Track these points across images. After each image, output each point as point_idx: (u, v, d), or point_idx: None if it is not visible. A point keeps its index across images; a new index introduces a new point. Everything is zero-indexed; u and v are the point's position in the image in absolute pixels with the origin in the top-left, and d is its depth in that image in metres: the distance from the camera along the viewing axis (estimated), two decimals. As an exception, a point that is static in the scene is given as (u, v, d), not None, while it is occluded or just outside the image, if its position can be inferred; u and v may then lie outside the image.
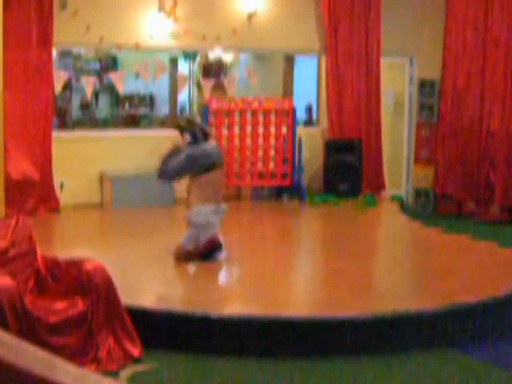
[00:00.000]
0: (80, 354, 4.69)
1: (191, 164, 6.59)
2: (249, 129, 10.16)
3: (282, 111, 10.25)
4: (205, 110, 10.09)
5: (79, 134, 10.51)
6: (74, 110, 13.12)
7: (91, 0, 9.20)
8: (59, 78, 9.30)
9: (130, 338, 4.92)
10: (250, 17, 10.08)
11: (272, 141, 10.24)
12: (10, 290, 4.36)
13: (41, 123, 9.01)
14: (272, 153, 10.25)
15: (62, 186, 9.35)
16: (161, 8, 9.53)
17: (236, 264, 7.03)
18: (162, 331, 5.18)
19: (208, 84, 10.35)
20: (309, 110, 12.83)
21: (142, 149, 9.64)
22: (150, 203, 9.36)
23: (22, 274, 4.96)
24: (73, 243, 7.60)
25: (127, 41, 9.49)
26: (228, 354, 5.05)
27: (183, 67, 13.60)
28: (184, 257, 6.65)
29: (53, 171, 9.19)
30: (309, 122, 12.52)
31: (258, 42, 10.27)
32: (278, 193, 10.45)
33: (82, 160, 9.55)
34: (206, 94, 10.23)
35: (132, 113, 13.33)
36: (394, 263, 7.19)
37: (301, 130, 10.65)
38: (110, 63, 13.11)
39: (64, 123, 11.92)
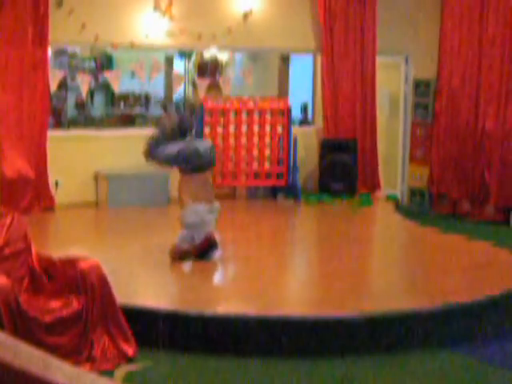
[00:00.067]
0: (75, 353, 4.69)
1: (181, 160, 6.60)
2: (244, 128, 10.15)
3: (277, 111, 10.24)
4: (200, 110, 10.08)
5: (74, 132, 10.49)
6: (69, 109, 13.09)
7: (86, -2, 9.21)
8: (54, 76, 9.29)
9: (125, 337, 4.91)
10: (246, 16, 10.07)
11: (267, 140, 10.24)
12: (4, 289, 4.35)
13: (36, 122, 8.99)
14: (267, 152, 10.24)
15: (56, 184, 9.34)
16: (156, 7, 9.53)
17: (231, 263, 7.04)
18: (157, 330, 5.18)
19: (203, 83, 10.34)
20: (304, 109, 12.83)
21: (137, 148, 9.51)
22: (145, 202, 9.35)
23: (17, 272, 4.95)
24: (68, 242, 7.58)
25: (122, 39, 9.48)
26: (223, 353, 5.06)
27: (178, 66, 13.60)
28: (179, 256, 6.65)
29: (48, 170, 9.17)
30: (304, 122, 12.52)
31: (253, 41, 10.27)
32: (273, 192, 10.45)
33: (77, 159, 9.54)
34: (201, 94, 10.22)
35: (127, 112, 13.31)
36: (389, 263, 7.20)
37: (296, 130, 10.65)
38: (105, 62, 13.08)
39: (59, 122, 11.89)
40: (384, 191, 11.09)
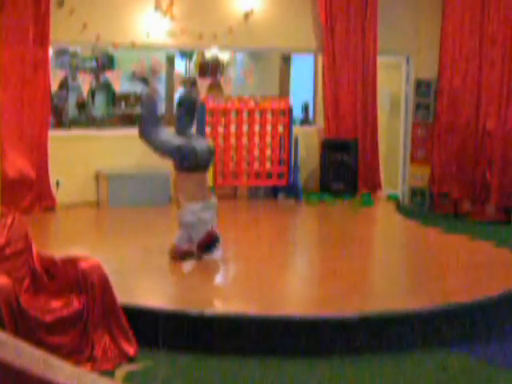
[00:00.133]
0: (76, 353, 4.69)
1: (177, 155, 6.57)
2: (245, 128, 10.15)
3: (279, 110, 10.24)
4: (201, 109, 10.07)
5: (75, 132, 10.49)
6: (70, 109, 13.09)
7: (88, -2, 9.22)
8: (55, 76, 9.29)
9: (126, 337, 4.91)
10: (247, 16, 10.07)
11: (268, 140, 10.24)
12: (5, 289, 4.35)
13: (37, 122, 9.00)
14: (268, 152, 10.25)
15: (57, 184, 9.34)
16: (157, 7, 9.53)
17: (232, 263, 7.04)
18: (158, 330, 5.18)
19: (204, 83, 10.34)
20: (305, 109, 12.83)
21: (138, 148, 9.55)
22: (146, 202, 9.36)
23: (18, 272, 4.95)
24: (68, 242, 7.58)
25: (124, 39, 9.48)
26: (223, 353, 5.05)
27: (180, 66, 13.59)
28: (179, 256, 6.66)
29: (49, 170, 9.18)
30: (305, 121, 12.52)
31: (254, 41, 10.26)
32: (274, 192, 10.45)
33: (78, 159, 9.54)
34: (203, 93, 10.22)
35: (128, 112, 13.31)
36: (389, 262, 7.19)
37: (297, 130, 10.65)
38: (106, 62, 13.08)
39: (60, 122, 11.89)
40: (385, 191, 11.09)
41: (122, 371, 4.70)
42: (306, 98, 12.18)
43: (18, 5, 8.63)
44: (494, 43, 9.85)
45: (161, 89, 6.56)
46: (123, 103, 13.51)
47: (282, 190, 10.38)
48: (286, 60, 11.52)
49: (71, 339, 4.70)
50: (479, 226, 9.62)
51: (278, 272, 6.60)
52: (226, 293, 6.05)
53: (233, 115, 10.11)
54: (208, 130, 9.93)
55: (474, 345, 5.34)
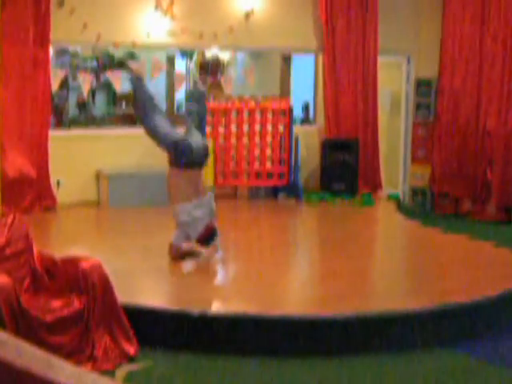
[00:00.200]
0: (76, 353, 4.69)
1: (173, 150, 6.56)
2: (245, 128, 10.15)
3: (279, 110, 10.24)
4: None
5: (76, 132, 10.50)
6: (71, 109, 13.11)
7: (88, -2, 9.22)
8: (56, 76, 9.30)
9: (126, 337, 4.92)
10: (247, 15, 10.08)
11: (269, 139, 10.24)
12: (6, 289, 4.35)
13: (37, 121, 9.01)
14: (269, 152, 10.25)
15: (58, 184, 9.35)
16: (157, 6, 9.54)
17: (232, 263, 7.04)
18: (158, 330, 5.19)
19: (205, 82, 10.34)
20: (306, 108, 12.84)
21: (139, 147, 9.64)
22: (146, 202, 9.36)
23: (18, 272, 4.95)
24: (69, 241, 7.59)
25: (124, 39, 9.49)
26: (224, 352, 5.06)
27: (180, 65, 13.61)
28: (179, 255, 6.67)
29: (49, 169, 9.19)
30: (306, 121, 12.53)
31: (255, 40, 10.27)
32: (275, 192, 10.45)
33: (79, 158, 9.55)
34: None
35: (129, 111, 13.32)
36: (390, 262, 7.19)
37: (298, 129, 10.66)
38: (107, 62, 13.10)
39: (60, 121, 11.91)
40: (385, 191, 11.09)
41: (122, 371, 4.70)
42: (307, 97, 12.19)
43: (19, 4, 8.64)
44: (494, 43, 9.86)
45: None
46: (124, 103, 13.52)
47: (283, 189, 10.38)
48: (287, 60, 11.53)
49: (72, 339, 4.70)
50: (480, 225, 9.63)
51: (278, 272, 6.60)
52: (226, 292, 6.05)
53: (233, 115, 10.11)
54: (208, 129, 9.92)
55: (474, 345, 5.34)
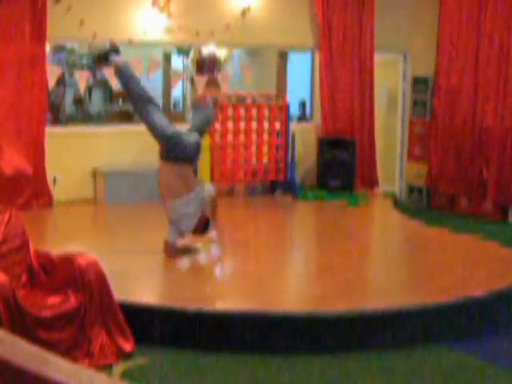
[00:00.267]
0: (73, 349, 4.70)
1: (165, 143, 6.58)
2: (242, 125, 10.14)
3: (276, 107, 10.24)
4: (198, 106, 10.06)
5: (72, 129, 10.50)
6: (67, 106, 13.10)
7: (85, -5, 9.21)
8: (52, 72, 9.28)
9: (123, 334, 4.92)
10: (244, 12, 10.07)
11: (265, 136, 10.23)
12: (2, 286, 4.36)
13: (34, 118, 8.99)
14: (265, 148, 10.24)
15: (54, 181, 9.34)
16: (154, 3, 9.52)
17: (229, 260, 7.05)
18: (155, 327, 5.19)
19: (201, 79, 10.33)
20: (302, 105, 12.83)
21: (136, 144, 9.64)
22: (143, 199, 9.35)
23: (15, 269, 4.95)
24: (66, 238, 7.59)
25: (121, 36, 9.47)
26: (221, 349, 5.06)
27: (177, 63, 13.59)
28: (175, 252, 6.68)
29: (46, 166, 9.18)
30: (302, 118, 12.53)
31: (251, 37, 10.26)
32: (272, 189, 10.46)
33: (75, 155, 9.54)
34: (200, 90, 10.21)
35: (125, 108, 13.31)
36: (386, 259, 7.21)
37: (294, 126, 10.66)
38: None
39: (57, 118, 11.90)
40: (382, 188, 11.11)
41: (119, 367, 4.71)
42: (303, 94, 12.19)
43: (15, 1, 8.62)
44: (490, 40, 9.87)
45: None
46: (120, 100, 13.51)
47: (279, 186, 10.38)
48: (283, 56, 11.52)
49: (68, 335, 4.70)
50: (476, 222, 9.64)
51: (275, 269, 6.61)
52: (223, 290, 6.06)
53: (230, 112, 10.10)
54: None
55: (471, 342, 5.35)
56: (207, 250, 7.21)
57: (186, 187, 6.61)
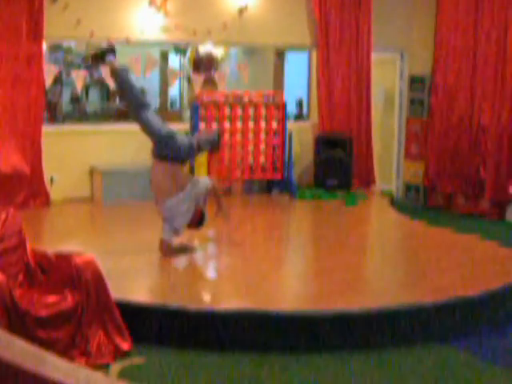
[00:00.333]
0: (70, 348, 4.69)
1: (158, 141, 6.58)
2: (239, 123, 10.13)
3: (273, 106, 10.23)
4: (195, 105, 10.07)
5: (69, 127, 10.48)
6: (64, 104, 13.09)
7: (82, -7, 9.20)
8: (49, 71, 9.27)
9: (120, 332, 4.92)
10: (241, 11, 10.07)
11: (262, 135, 10.23)
12: (-1, 285, 4.36)
13: (31, 117, 8.98)
14: (262, 147, 10.24)
15: (51, 180, 9.34)
16: (151, 2, 9.52)
17: (226, 258, 7.04)
18: (152, 325, 5.19)
19: (198, 78, 10.33)
20: (299, 104, 12.84)
21: (133, 143, 9.63)
22: (140, 197, 9.34)
23: (12, 268, 4.95)
24: (63, 237, 7.58)
25: (118, 35, 9.47)
26: (218, 348, 5.07)
27: (174, 61, 13.59)
28: (170, 251, 6.68)
29: (43, 165, 9.17)
30: (299, 117, 12.53)
31: (248, 36, 10.26)
32: (269, 187, 10.46)
33: (72, 154, 9.54)
34: (197, 89, 10.21)
35: (122, 107, 13.29)
36: (383, 258, 7.21)
37: (291, 125, 10.66)
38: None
39: (54, 117, 11.89)
40: (379, 186, 11.11)
41: (116, 367, 4.71)
42: (301, 93, 12.19)
43: (12, 0, 8.60)
44: (487, 39, 9.87)
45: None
46: (117, 98, 13.49)
47: (276, 185, 10.38)
48: (281, 55, 11.52)
49: (65, 334, 4.70)
50: (473, 221, 9.65)
51: (272, 268, 6.61)
52: (220, 288, 6.06)
53: (227, 110, 10.09)
54: (202, 125, 9.92)
55: (469, 341, 5.36)
56: (204, 248, 7.21)
57: (176, 187, 6.61)
